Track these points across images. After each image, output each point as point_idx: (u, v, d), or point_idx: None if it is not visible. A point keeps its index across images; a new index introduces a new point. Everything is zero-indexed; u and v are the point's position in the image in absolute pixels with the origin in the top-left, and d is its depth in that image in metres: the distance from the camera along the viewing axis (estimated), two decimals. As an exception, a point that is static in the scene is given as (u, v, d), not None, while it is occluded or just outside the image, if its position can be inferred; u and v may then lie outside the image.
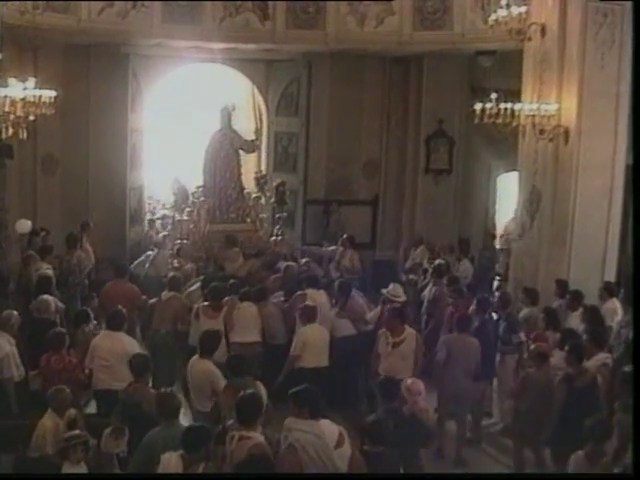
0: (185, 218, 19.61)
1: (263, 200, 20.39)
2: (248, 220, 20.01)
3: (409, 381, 10.19)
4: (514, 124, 14.52)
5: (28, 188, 20.04)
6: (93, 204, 20.26)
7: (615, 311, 13.29)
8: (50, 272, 14.84)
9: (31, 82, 13.06)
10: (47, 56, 19.11)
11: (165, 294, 14.17)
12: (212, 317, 13.10)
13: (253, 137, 20.71)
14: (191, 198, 19.93)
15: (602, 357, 11.28)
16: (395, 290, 14.06)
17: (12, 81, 12.65)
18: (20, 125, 12.86)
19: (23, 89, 12.85)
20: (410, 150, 22.21)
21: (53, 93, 13.69)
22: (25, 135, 13.07)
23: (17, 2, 14.53)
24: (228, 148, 19.82)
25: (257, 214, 20.09)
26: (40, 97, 13.24)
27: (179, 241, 18.82)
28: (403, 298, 14.09)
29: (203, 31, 19.30)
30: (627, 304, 13.26)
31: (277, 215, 20.32)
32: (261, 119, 21.79)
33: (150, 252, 18.24)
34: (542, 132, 14.57)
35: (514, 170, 17.35)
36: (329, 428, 8.19)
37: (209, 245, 19.03)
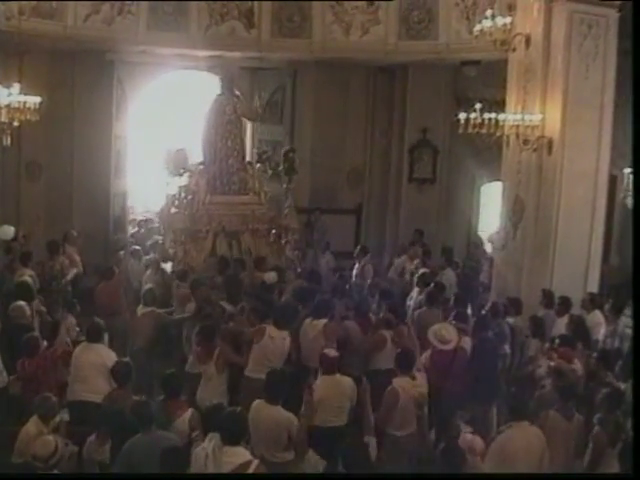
0: (182, 186, 17.83)
1: (269, 172, 18.67)
2: (251, 193, 18.16)
3: (469, 437, 9.58)
4: (498, 134, 14.54)
5: (12, 194, 19.94)
6: (77, 210, 20.22)
7: (599, 322, 13.35)
8: (29, 279, 14.78)
9: (16, 88, 13.04)
10: (32, 62, 19.06)
11: (140, 309, 13.80)
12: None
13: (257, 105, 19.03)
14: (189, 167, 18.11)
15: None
16: (444, 333, 11.82)
17: (-3, 87, 12.63)
18: (4, 131, 12.84)
19: (8, 95, 12.83)
20: (394, 159, 22.25)
21: (38, 99, 13.67)
22: (9, 141, 13.06)
23: (2, 7, 14.49)
24: (231, 114, 17.96)
25: (260, 186, 18.21)
26: (25, 103, 13.22)
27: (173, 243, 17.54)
28: (454, 344, 11.70)
29: (188, 39, 19.35)
30: (613, 314, 13.34)
31: (285, 185, 18.53)
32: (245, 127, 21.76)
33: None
34: (526, 142, 14.61)
35: (498, 180, 17.41)
36: None
37: (208, 218, 17.35)
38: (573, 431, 9.67)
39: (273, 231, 17.82)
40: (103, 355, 11.02)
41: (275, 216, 18.06)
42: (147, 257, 17.76)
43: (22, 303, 12.76)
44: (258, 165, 18.56)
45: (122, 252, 18.38)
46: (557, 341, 11.79)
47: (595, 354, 11.85)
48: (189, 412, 9.26)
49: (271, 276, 15.26)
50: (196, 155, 18.41)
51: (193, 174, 17.84)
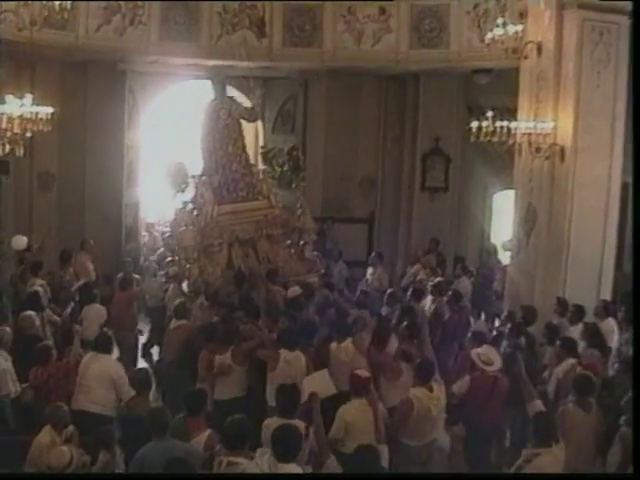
0: (187, 201, 16.86)
1: (276, 173, 17.54)
2: (260, 197, 17.27)
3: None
4: (510, 142, 14.51)
5: (24, 204, 20.01)
6: (89, 220, 20.27)
7: (612, 330, 13.30)
8: (40, 289, 14.84)
9: (28, 99, 13.06)
10: (44, 73, 19.07)
11: (174, 322, 13.51)
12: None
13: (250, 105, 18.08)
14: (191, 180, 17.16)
15: (570, 362, 11.34)
16: (488, 357, 11.15)
17: (9, 98, 12.64)
18: (17, 142, 12.86)
19: (20, 106, 12.84)
20: (406, 168, 22.26)
21: (50, 110, 13.68)
22: (22, 152, 13.08)
23: (14, 18, 14.52)
24: (226, 118, 17.12)
25: (269, 189, 17.32)
26: (37, 114, 13.23)
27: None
28: (498, 366, 11.04)
29: (200, 48, 19.41)
30: (627, 322, 13.29)
31: (294, 185, 17.51)
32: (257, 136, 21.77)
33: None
34: (538, 150, 14.58)
35: (510, 188, 17.35)
36: None
37: (219, 230, 16.42)
38: (592, 423, 9.65)
39: (289, 241, 17.23)
40: (109, 367, 11.05)
41: (289, 218, 17.26)
42: (161, 272, 17.46)
43: (31, 313, 12.84)
44: (264, 167, 17.77)
45: (129, 259, 18.30)
46: (558, 343, 11.77)
47: (616, 361, 11.85)
48: (207, 433, 8.97)
49: (294, 291, 14.83)
50: (200, 166, 17.71)
51: (197, 186, 17.05)
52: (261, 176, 17.44)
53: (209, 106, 17.30)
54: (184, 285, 16.18)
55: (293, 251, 17.19)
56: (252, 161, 18.06)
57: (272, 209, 17.14)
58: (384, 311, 15.42)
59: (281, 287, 15.43)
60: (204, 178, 17.04)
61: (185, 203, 16.76)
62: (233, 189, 17.03)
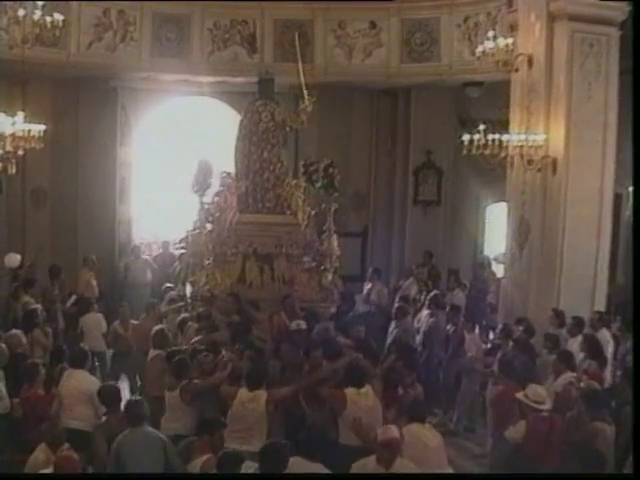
0: (207, 203, 15.87)
1: (313, 189, 16.05)
2: (288, 212, 15.97)
3: None
4: (502, 155, 14.55)
5: (17, 222, 20.02)
6: (82, 237, 20.25)
7: (607, 341, 13.32)
8: (39, 306, 14.79)
9: (20, 116, 13.08)
10: (36, 90, 19.13)
11: (151, 352, 12.51)
12: None
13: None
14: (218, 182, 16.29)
15: (568, 376, 11.32)
16: (537, 394, 10.18)
17: (1, 116, 12.65)
18: (9, 160, 12.87)
19: (12, 124, 12.87)
20: (399, 181, 22.26)
21: (42, 127, 13.71)
22: (14, 170, 13.08)
23: (6, 36, 14.53)
24: (268, 121, 16.01)
25: (299, 205, 15.92)
26: (29, 131, 13.27)
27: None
28: (549, 405, 10.18)
29: (191, 64, 19.46)
30: (623, 332, 13.31)
31: (323, 205, 16.03)
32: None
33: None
34: (530, 163, 14.60)
35: (503, 201, 17.38)
36: None
37: (237, 239, 15.47)
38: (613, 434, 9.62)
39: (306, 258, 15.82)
40: (82, 382, 10.92)
41: (313, 239, 15.88)
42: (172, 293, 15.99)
43: (17, 332, 12.75)
44: (297, 180, 16.18)
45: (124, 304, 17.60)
46: (555, 357, 11.77)
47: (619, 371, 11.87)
48: (205, 457, 8.68)
49: (298, 324, 13.26)
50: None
51: (222, 189, 16.15)
52: (292, 189, 16.07)
53: (251, 105, 16.33)
54: (187, 291, 15.71)
55: (312, 275, 15.85)
56: (309, 110, 16.41)
57: (297, 226, 15.82)
58: (391, 326, 15.43)
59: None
60: (230, 181, 16.26)
61: (203, 205, 15.78)
62: (260, 198, 15.99)
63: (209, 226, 15.83)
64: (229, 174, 16.44)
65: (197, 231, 15.77)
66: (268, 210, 15.95)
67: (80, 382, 10.87)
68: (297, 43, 17.12)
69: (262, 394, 10.18)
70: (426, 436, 9.38)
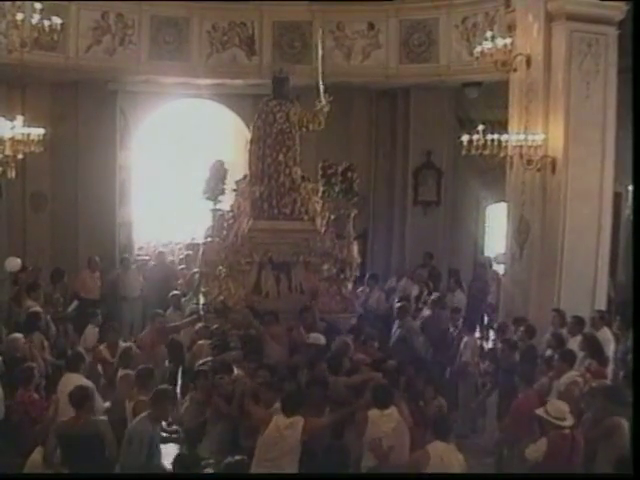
0: (220, 209, 15.33)
1: (333, 193, 15.37)
2: (305, 218, 15.23)
3: None
4: (501, 155, 14.56)
5: (17, 226, 20.03)
6: (83, 240, 20.24)
7: (609, 339, 13.32)
8: (39, 309, 14.76)
9: (19, 120, 13.08)
10: (35, 94, 19.12)
11: (120, 372, 11.74)
12: None
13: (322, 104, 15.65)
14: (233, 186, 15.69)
15: (572, 375, 11.34)
16: (559, 410, 9.54)
17: (0, 120, 12.66)
18: (9, 164, 12.86)
19: (11, 127, 12.87)
20: (398, 182, 22.25)
21: (41, 131, 13.71)
22: (14, 174, 13.08)
23: (5, 40, 14.55)
24: (283, 122, 15.33)
25: (317, 210, 15.27)
26: (29, 135, 13.28)
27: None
28: (570, 421, 9.47)
29: (190, 67, 19.47)
30: (623, 331, 13.31)
31: (342, 211, 15.47)
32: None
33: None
34: (529, 162, 14.60)
35: (502, 201, 17.39)
36: None
37: (251, 247, 14.78)
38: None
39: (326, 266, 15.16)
40: (75, 383, 10.86)
41: (332, 246, 15.17)
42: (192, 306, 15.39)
43: (17, 336, 12.70)
44: (314, 184, 15.54)
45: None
46: (557, 356, 11.78)
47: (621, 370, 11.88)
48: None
49: (317, 338, 12.64)
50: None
51: (237, 194, 15.49)
52: (306, 193, 15.40)
53: (265, 105, 15.62)
54: (200, 306, 14.85)
55: (330, 284, 15.18)
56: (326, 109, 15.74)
57: (315, 233, 15.11)
58: (395, 325, 15.38)
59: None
60: (243, 186, 15.51)
61: (215, 211, 15.31)
62: (275, 204, 15.18)
63: (224, 234, 15.34)
64: (244, 178, 15.73)
65: (210, 239, 15.27)
66: (284, 216, 15.19)
67: (74, 385, 10.85)
68: (320, 41, 16.50)
69: (299, 420, 9.50)
70: (449, 459, 8.97)
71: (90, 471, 8.59)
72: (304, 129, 15.60)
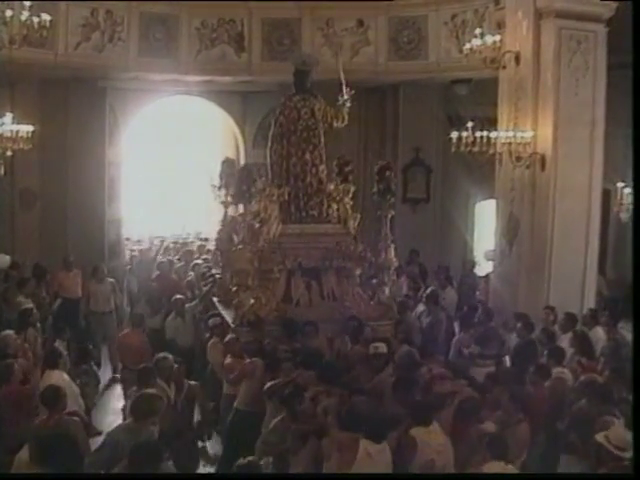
0: (245, 214, 14.73)
1: (351, 193, 14.61)
2: (334, 220, 14.45)
3: None
4: (491, 152, 14.59)
5: (6, 223, 19.96)
6: (72, 237, 20.12)
7: (601, 338, 13.34)
8: (31, 305, 14.72)
9: (8, 117, 13.08)
10: (24, 91, 19.10)
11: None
12: None
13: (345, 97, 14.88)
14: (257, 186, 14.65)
15: (558, 371, 11.31)
16: (621, 439, 7.82)
17: (-11, 117, 12.67)
18: (-2, 161, 12.88)
19: (0, 125, 12.86)
20: (387, 179, 22.22)
21: (30, 128, 13.71)
22: (2, 171, 13.07)
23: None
24: (308, 118, 14.54)
25: (347, 211, 14.40)
26: (17, 132, 13.28)
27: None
28: (631, 453, 7.58)
29: (179, 64, 19.45)
30: (611, 327, 13.33)
31: (379, 213, 14.68)
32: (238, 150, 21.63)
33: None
34: (519, 159, 14.65)
35: (492, 198, 17.42)
36: None
37: (281, 254, 13.76)
38: None
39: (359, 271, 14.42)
40: (58, 382, 10.78)
41: (366, 250, 14.41)
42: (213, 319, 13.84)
43: (8, 332, 12.67)
44: (342, 186, 14.62)
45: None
46: (546, 353, 11.81)
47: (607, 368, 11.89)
48: None
49: (378, 347, 11.51)
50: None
51: (260, 197, 14.32)
52: (337, 195, 14.53)
53: (288, 101, 14.77)
54: (228, 317, 13.86)
55: (365, 291, 14.64)
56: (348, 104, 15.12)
57: (347, 236, 14.30)
58: None
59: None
60: (269, 189, 14.17)
61: (240, 216, 14.87)
62: (303, 206, 14.37)
63: (236, 238, 14.83)
64: (266, 179, 14.73)
65: (240, 247, 14.61)
66: (312, 219, 14.37)
67: (51, 382, 10.81)
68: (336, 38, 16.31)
69: (386, 445, 8.44)
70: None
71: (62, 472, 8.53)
72: (327, 126, 14.87)
